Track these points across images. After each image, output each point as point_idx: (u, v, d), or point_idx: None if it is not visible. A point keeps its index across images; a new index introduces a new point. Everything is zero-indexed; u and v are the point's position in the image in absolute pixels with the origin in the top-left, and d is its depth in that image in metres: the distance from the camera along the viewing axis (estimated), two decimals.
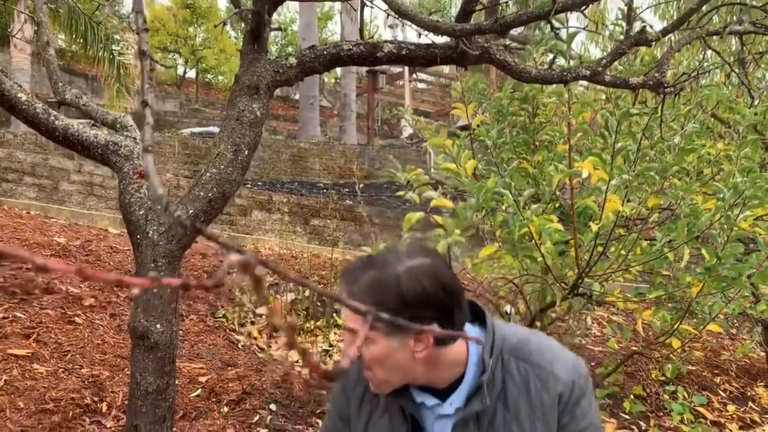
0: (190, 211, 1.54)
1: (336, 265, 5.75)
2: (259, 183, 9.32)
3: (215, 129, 11.82)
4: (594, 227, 2.61)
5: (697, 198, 3.04)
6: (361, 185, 8.87)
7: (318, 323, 5.13)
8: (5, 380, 3.02)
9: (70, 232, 5.43)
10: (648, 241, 3.24)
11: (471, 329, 1.26)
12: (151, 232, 1.51)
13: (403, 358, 1.15)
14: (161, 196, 0.47)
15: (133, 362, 1.53)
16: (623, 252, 3.18)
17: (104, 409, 3.04)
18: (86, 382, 3.19)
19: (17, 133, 8.96)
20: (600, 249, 2.84)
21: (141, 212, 1.54)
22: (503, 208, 3.01)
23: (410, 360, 1.15)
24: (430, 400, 1.24)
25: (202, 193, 1.55)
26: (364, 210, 7.53)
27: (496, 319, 1.28)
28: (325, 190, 9.05)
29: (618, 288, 3.64)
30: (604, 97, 3.73)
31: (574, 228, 2.93)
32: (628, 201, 2.94)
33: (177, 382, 3.41)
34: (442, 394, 1.23)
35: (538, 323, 3.70)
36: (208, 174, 1.56)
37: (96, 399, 3.09)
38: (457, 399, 1.22)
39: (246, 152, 1.58)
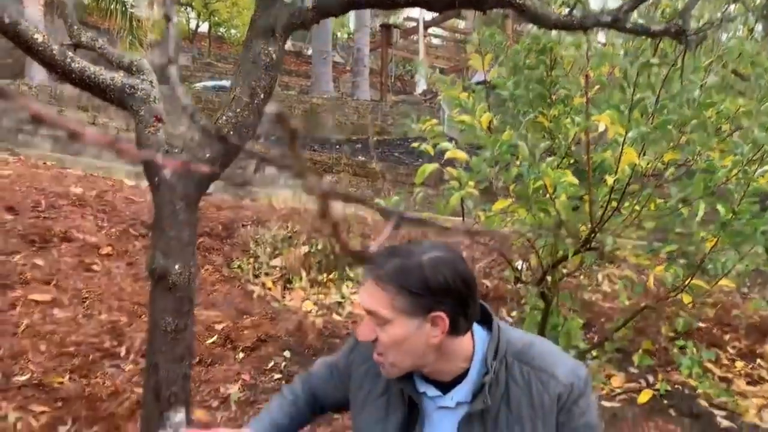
0: (207, 155, 1.55)
1: (349, 220, 5.78)
2: (272, 138, 9.30)
3: (228, 83, 11.72)
4: (609, 180, 2.59)
5: (714, 155, 3.00)
6: (374, 141, 8.82)
7: (331, 276, 5.19)
8: (27, 324, 3.11)
9: (86, 183, 5.48)
10: (663, 200, 3.22)
11: (478, 330, 1.32)
12: (169, 174, 1.53)
13: (418, 341, 1.22)
14: (188, 105, 0.47)
15: (153, 302, 1.57)
16: (637, 208, 3.18)
17: (123, 353, 3.13)
18: (105, 328, 3.27)
19: (32, 84, 8.96)
20: (614, 204, 2.84)
21: (159, 154, 1.55)
22: (518, 162, 2.99)
23: (425, 345, 1.22)
24: (432, 392, 1.30)
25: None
26: (377, 166, 7.53)
27: (503, 323, 1.35)
28: (337, 146, 9.02)
29: (630, 246, 3.64)
30: (622, 52, 3.66)
31: (589, 182, 2.91)
32: (645, 155, 2.92)
33: (194, 329, 3.49)
34: (445, 387, 1.30)
35: (548, 278, 3.72)
36: (224, 117, 1.56)
37: (115, 343, 3.17)
38: (458, 394, 1.28)
39: (262, 96, 1.57)
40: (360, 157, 8.03)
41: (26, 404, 2.60)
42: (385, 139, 10.31)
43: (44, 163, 6.08)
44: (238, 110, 1.55)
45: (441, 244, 1.30)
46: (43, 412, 2.59)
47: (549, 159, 2.75)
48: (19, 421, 2.50)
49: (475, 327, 1.31)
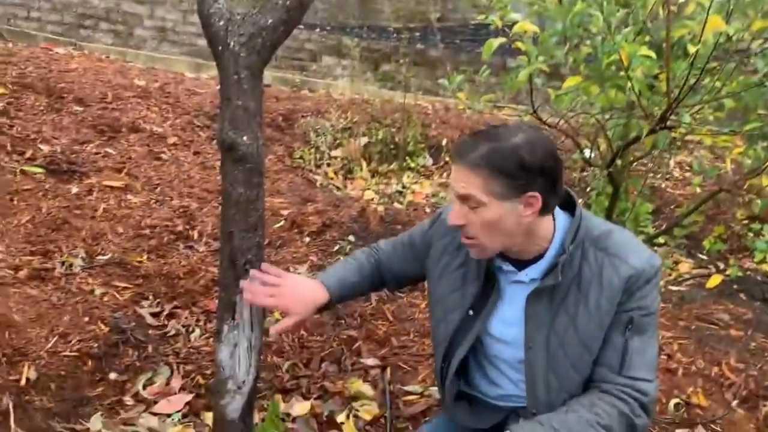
0: (269, 21, 1.50)
1: (408, 110, 5.68)
2: (328, 27, 9.08)
3: None
4: (691, 49, 2.40)
5: None
6: (435, 27, 8.49)
7: (391, 166, 5.19)
8: (104, 208, 3.25)
9: (149, 76, 5.53)
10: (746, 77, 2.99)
11: (559, 213, 1.36)
12: (232, 43, 1.49)
13: (511, 223, 1.26)
14: None
15: (224, 174, 1.59)
16: (718, 84, 2.97)
17: (195, 236, 3.25)
18: (177, 212, 3.39)
19: None
20: (695, 76, 2.65)
21: (221, 23, 1.51)
22: (591, 34, 2.81)
23: (516, 225, 1.27)
24: (508, 267, 1.36)
25: (279, 2, 1.50)
26: (437, 52, 7.28)
27: (586, 211, 1.38)
28: (395, 35, 8.73)
29: (706, 128, 3.44)
30: None
31: (667, 56, 2.72)
32: (730, 25, 2.68)
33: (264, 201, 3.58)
34: (521, 265, 1.35)
35: (619, 161, 3.59)
36: None
37: (188, 227, 3.30)
38: (533, 271, 1.34)
39: None
40: (419, 45, 7.77)
41: (109, 281, 2.76)
42: (445, 26, 9.91)
43: (107, 57, 6.16)
44: None
45: (526, 125, 1.37)
46: (125, 288, 2.75)
47: (625, 30, 2.56)
48: (104, 295, 2.67)
49: (557, 210, 1.35)
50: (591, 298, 1.28)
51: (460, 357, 1.42)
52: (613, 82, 2.74)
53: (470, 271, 1.43)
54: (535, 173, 1.23)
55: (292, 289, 1.53)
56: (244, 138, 1.54)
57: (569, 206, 1.37)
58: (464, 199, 1.27)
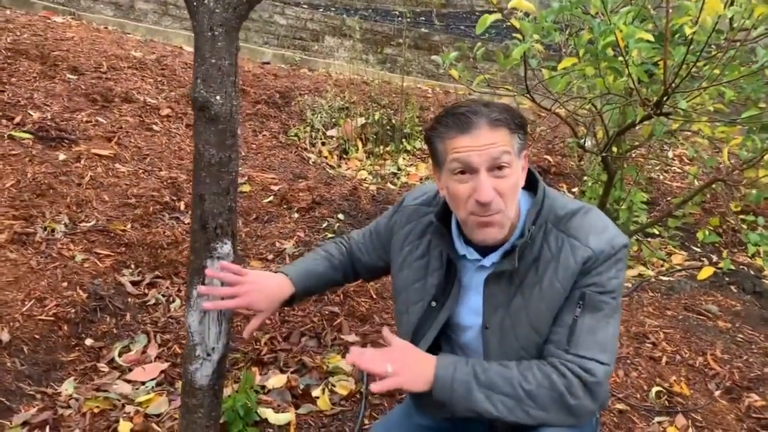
0: None
1: (407, 92, 5.62)
2: (332, 8, 8.99)
3: None
4: (688, 30, 2.35)
5: None
6: (439, 12, 8.39)
7: (387, 148, 5.14)
8: (91, 176, 3.21)
9: (146, 48, 5.47)
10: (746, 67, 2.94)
11: (524, 195, 1.31)
12: None
13: (519, 188, 1.26)
14: None
15: (196, 134, 1.55)
16: (717, 71, 2.92)
17: (182, 207, 3.21)
18: (165, 183, 3.35)
19: None
20: (692, 60, 2.60)
21: None
22: (590, 16, 2.75)
23: (518, 188, 1.25)
24: (472, 255, 1.32)
25: None
26: (440, 37, 7.21)
27: (554, 190, 1.34)
28: (399, 18, 8.64)
29: (706, 118, 3.39)
30: None
31: (666, 40, 2.66)
32: (731, 6, 2.63)
33: (250, 189, 3.54)
34: (485, 251, 1.31)
35: (614, 149, 3.55)
36: None
37: (174, 198, 3.26)
38: (495, 255, 1.30)
39: None
40: (423, 29, 7.68)
41: (91, 248, 2.73)
42: (450, 12, 9.82)
43: (105, 28, 6.09)
44: None
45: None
46: (107, 256, 2.71)
47: (623, 9, 2.50)
48: (85, 262, 2.64)
49: (522, 192, 1.31)
50: (546, 280, 1.24)
51: (424, 348, 1.35)
52: (610, 65, 2.68)
53: (432, 261, 1.38)
54: (526, 129, 1.26)
55: (255, 286, 1.49)
56: (217, 98, 1.50)
57: (533, 188, 1.33)
58: (498, 163, 1.19)
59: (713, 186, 3.59)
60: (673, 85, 2.76)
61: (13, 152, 3.22)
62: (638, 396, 2.36)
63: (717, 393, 2.42)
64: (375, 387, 1.17)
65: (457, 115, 1.21)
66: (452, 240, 1.35)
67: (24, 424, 1.94)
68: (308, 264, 1.63)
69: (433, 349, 1.35)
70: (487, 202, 1.18)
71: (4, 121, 3.49)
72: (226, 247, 1.62)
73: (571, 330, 1.21)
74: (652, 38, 2.63)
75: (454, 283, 1.35)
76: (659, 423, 2.22)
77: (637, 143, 3.98)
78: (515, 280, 1.27)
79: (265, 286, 1.52)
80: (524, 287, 1.26)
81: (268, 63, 6.49)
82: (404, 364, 1.21)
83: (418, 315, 1.38)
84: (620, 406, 2.27)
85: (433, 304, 1.36)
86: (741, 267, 3.62)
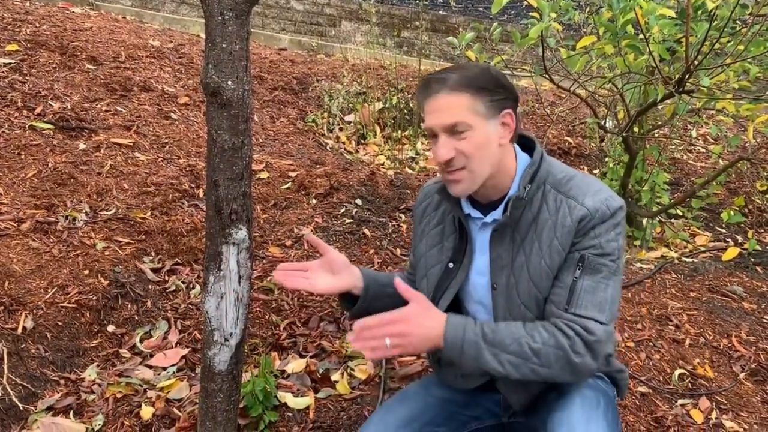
0: None
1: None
2: None
3: None
4: (711, 4, 2.29)
5: None
6: None
7: (405, 132, 5.11)
8: (111, 165, 3.24)
9: (164, 37, 5.49)
10: None
11: (521, 154, 1.39)
12: None
13: (495, 145, 1.30)
14: None
15: (208, 120, 1.54)
16: (741, 47, 2.84)
17: (201, 194, 3.23)
18: (184, 171, 3.37)
19: None
20: (715, 36, 2.53)
21: None
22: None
23: (497, 149, 1.31)
24: (476, 213, 1.40)
25: None
26: (457, 19, 7.12)
27: (551, 157, 1.41)
28: (416, 1, 8.56)
29: (730, 96, 3.31)
30: None
31: (688, 16, 2.59)
32: None
33: (268, 175, 3.55)
34: (487, 209, 1.39)
35: (636, 129, 3.48)
36: None
37: (193, 186, 3.28)
38: (496, 213, 1.37)
39: None
40: (440, 12, 7.61)
41: (112, 236, 2.76)
42: None
43: (123, 17, 6.12)
44: None
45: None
46: (128, 243, 2.74)
47: None
48: (106, 250, 2.67)
49: (519, 151, 1.39)
50: (544, 238, 1.30)
51: (443, 307, 1.40)
52: (630, 43, 2.63)
53: (446, 227, 1.47)
54: (507, 89, 1.30)
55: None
56: (229, 82, 1.49)
57: (531, 151, 1.40)
58: (451, 128, 1.27)
59: (738, 165, 3.51)
60: (696, 62, 2.70)
61: (35, 142, 3.26)
62: (661, 379, 2.32)
63: (742, 375, 2.38)
64: (369, 355, 1.22)
65: (424, 81, 1.32)
66: (460, 201, 1.43)
67: (49, 408, 1.98)
68: (379, 273, 1.61)
69: (454, 308, 1.42)
70: (440, 162, 1.29)
71: (25, 112, 3.53)
72: (242, 233, 1.62)
73: (571, 290, 1.26)
74: (673, 14, 2.57)
75: (467, 245, 1.42)
76: (682, 405, 2.19)
77: (659, 123, 3.90)
78: (516, 239, 1.34)
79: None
80: (525, 245, 1.32)
81: (284, 49, 6.48)
82: (408, 334, 1.23)
83: (437, 277, 1.45)
84: (642, 389, 2.24)
85: (451, 265, 1.43)
86: (767, 247, 3.55)
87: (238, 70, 1.50)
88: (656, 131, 3.82)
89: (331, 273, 1.49)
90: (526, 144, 1.41)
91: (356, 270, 1.52)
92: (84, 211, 2.84)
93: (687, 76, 2.66)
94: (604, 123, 3.39)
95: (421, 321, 1.24)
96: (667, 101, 3.01)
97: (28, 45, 4.30)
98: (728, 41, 2.81)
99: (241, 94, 1.52)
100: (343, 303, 1.58)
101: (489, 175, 1.32)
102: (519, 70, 2.97)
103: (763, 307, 2.82)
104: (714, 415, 2.16)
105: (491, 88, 1.27)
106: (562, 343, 1.22)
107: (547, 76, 2.85)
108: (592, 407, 1.25)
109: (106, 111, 3.78)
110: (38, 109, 3.57)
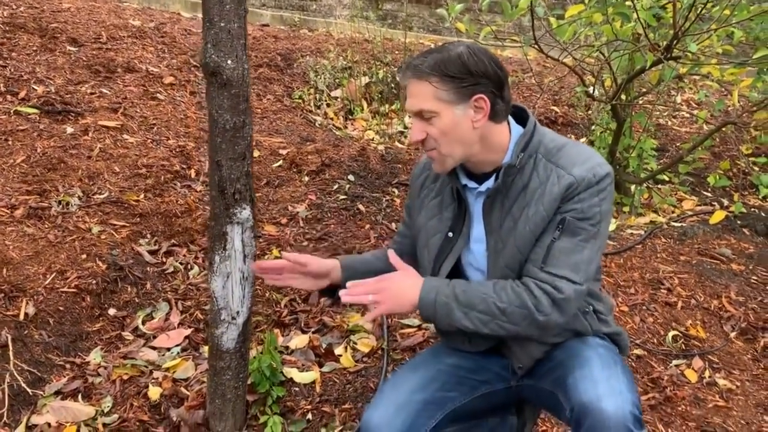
0: None
1: (410, 48, 5.55)
2: None
3: None
4: None
5: None
6: None
7: (392, 107, 5.10)
8: (100, 148, 3.21)
9: (144, 16, 5.40)
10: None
11: (514, 126, 1.42)
12: None
13: (465, 128, 1.34)
14: None
15: (209, 100, 1.54)
16: (726, 12, 2.87)
17: (192, 174, 3.22)
18: (174, 152, 3.35)
19: None
20: (702, 2, 2.55)
21: None
22: None
23: (470, 131, 1.34)
24: (472, 184, 1.44)
25: None
26: None
27: (543, 127, 1.44)
28: None
29: (715, 60, 3.33)
30: None
31: None
32: None
33: (259, 154, 3.54)
34: (482, 179, 1.43)
35: (623, 96, 3.51)
36: None
37: (184, 166, 3.26)
38: (490, 181, 1.42)
39: None
40: None
41: (107, 219, 2.75)
42: None
43: None
44: None
45: (470, 41, 1.43)
46: (123, 226, 2.73)
47: None
48: (102, 233, 2.66)
49: (514, 124, 1.42)
50: (532, 205, 1.34)
51: (444, 275, 1.46)
52: (617, 11, 2.64)
53: (445, 198, 1.51)
54: (478, 75, 1.31)
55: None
56: (229, 62, 1.49)
57: (524, 122, 1.43)
58: (419, 113, 1.34)
59: (723, 129, 3.56)
60: (683, 28, 2.72)
61: (21, 128, 3.22)
62: (655, 341, 2.39)
63: (733, 335, 2.45)
64: (348, 298, 1.37)
65: (404, 64, 1.39)
66: (457, 172, 1.46)
67: (57, 393, 1.99)
68: (365, 255, 1.74)
69: (455, 276, 1.48)
70: (411, 143, 1.37)
71: (9, 97, 3.48)
72: (246, 212, 1.63)
73: (548, 250, 1.32)
74: None
75: (466, 214, 1.47)
76: (677, 366, 2.26)
77: (644, 90, 3.93)
78: (506, 205, 1.39)
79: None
80: (513, 211, 1.38)
81: (267, 25, 6.40)
82: (389, 292, 1.37)
83: (437, 246, 1.50)
84: (638, 351, 2.31)
85: (450, 234, 1.48)
86: (753, 209, 3.62)
87: (237, 48, 1.50)
88: (642, 98, 3.85)
89: (312, 278, 1.60)
90: (520, 115, 1.45)
91: (338, 273, 1.61)
92: (77, 195, 2.83)
93: (675, 43, 2.69)
94: (593, 92, 3.41)
95: (400, 283, 1.39)
96: (654, 68, 3.04)
97: (6, 28, 4.21)
98: (713, 6, 2.83)
99: (241, 73, 1.52)
100: (324, 293, 1.68)
101: (466, 154, 1.37)
102: (508, 40, 2.97)
103: (750, 268, 2.89)
104: (707, 374, 2.23)
105: (459, 76, 1.30)
106: (527, 302, 1.30)
107: (537, 46, 2.86)
108: (610, 365, 1.31)
109: (91, 93, 3.73)
110: (22, 94, 3.52)
